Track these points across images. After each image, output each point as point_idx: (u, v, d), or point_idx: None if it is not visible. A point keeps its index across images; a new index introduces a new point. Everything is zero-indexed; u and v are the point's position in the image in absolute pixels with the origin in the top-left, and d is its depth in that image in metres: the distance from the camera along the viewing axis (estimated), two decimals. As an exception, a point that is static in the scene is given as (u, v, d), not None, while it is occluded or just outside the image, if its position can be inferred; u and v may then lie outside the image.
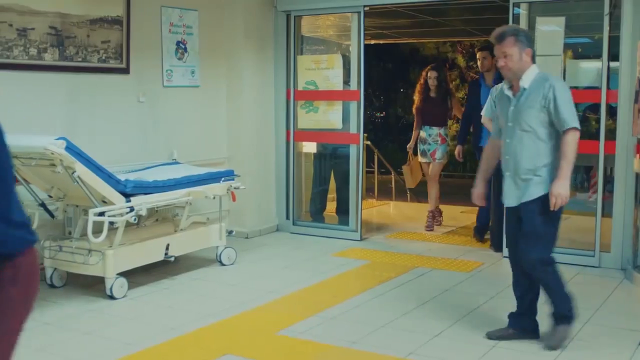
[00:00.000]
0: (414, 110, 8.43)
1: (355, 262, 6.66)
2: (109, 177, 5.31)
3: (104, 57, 6.29)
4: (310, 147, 8.28)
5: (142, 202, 5.49)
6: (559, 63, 6.54)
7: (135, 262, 5.67)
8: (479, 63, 7.55)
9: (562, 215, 4.41)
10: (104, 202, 5.32)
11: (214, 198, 6.24)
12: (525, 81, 4.28)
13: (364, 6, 7.34)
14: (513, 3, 6.62)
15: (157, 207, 5.83)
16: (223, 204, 6.48)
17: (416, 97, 8.35)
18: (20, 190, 5.57)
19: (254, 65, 7.73)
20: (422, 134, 8.24)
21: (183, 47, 7.11)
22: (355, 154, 7.64)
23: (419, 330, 4.75)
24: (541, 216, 4.29)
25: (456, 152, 7.83)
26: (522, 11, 6.67)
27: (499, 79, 5.88)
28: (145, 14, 6.67)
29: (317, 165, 8.35)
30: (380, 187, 11.74)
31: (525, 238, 4.33)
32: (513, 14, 6.62)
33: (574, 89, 6.54)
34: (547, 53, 6.58)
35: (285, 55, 7.92)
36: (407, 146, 8.62)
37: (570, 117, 4.17)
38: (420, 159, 8.43)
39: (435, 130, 8.18)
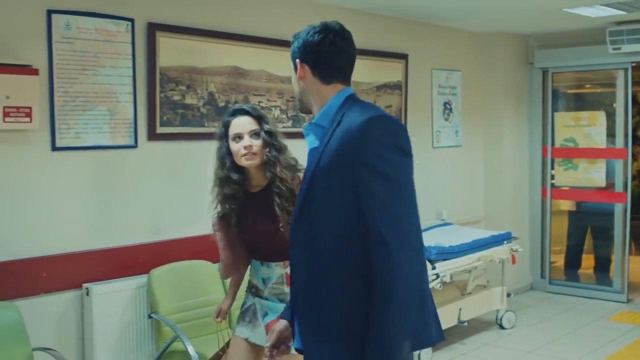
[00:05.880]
0: (217, 226, 3.50)
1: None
2: (418, 245, 5.37)
3: (386, 122, 6.43)
4: (564, 204, 8.12)
5: (446, 269, 5.53)
6: None
7: (435, 327, 5.68)
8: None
9: None
10: (413, 268, 5.39)
11: (499, 262, 6.22)
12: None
13: (632, 62, 7.16)
14: None
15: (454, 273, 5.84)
16: (500, 266, 6.43)
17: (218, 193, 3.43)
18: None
19: (511, 122, 7.70)
20: (251, 278, 3.54)
21: (449, 107, 7.18)
22: (621, 213, 7.39)
23: None
24: None
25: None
26: None
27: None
28: (418, 77, 6.79)
29: (572, 222, 8.14)
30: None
31: None
32: None
33: None
34: None
35: (540, 112, 7.85)
36: (217, 311, 3.70)
37: None
38: (238, 332, 3.49)
39: (277, 270, 3.40)
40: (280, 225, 3.25)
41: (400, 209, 2.16)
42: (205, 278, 4.70)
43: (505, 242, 6.31)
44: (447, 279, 5.52)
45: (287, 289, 3.28)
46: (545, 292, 7.81)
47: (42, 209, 4.15)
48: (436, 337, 2.30)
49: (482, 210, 7.69)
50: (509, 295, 6.47)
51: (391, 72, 6.46)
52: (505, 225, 7.29)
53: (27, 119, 3.95)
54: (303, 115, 5.66)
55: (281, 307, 3.28)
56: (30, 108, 3.96)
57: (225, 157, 3.34)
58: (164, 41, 4.71)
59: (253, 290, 3.49)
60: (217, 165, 3.40)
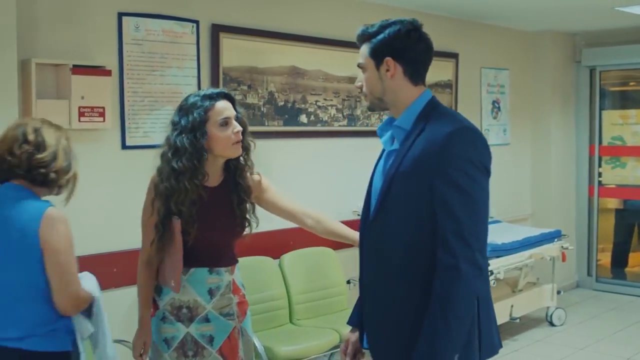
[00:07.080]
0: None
1: (690, 326, 6.44)
2: (473, 242, 5.44)
3: (437, 120, 6.49)
4: (611, 202, 8.13)
5: (500, 266, 5.59)
6: None
7: (488, 324, 5.74)
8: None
9: None
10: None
11: (550, 259, 6.27)
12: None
13: (682, 60, 7.17)
14: None
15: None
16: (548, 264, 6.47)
17: (152, 192, 3.08)
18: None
19: (558, 121, 7.72)
20: (180, 297, 2.90)
21: (497, 106, 7.23)
22: (672, 210, 7.41)
23: None
24: None
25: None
26: None
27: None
28: (468, 76, 6.84)
29: (619, 220, 8.15)
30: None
31: None
32: None
33: None
34: None
35: (587, 110, 7.86)
36: (138, 348, 2.97)
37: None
38: None
39: (226, 276, 2.98)
40: (238, 222, 2.99)
41: (471, 224, 2.13)
42: (267, 274, 4.81)
43: (555, 239, 6.36)
44: (500, 276, 5.57)
45: (235, 298, 2.97)
46: (592, 289, 7.82)
47: (112, 205, 4.27)
48: (498, 346, 2.38)
49: (529, 208, 7.73)
50: (558, 292, 6.51)
51: (442, 71, 6.52)
52: (552, 223, 7.31)
53: (101, 119, 4.08)
54: (358, 114, 5.76)
55: (229, 325, 2.92)
56: (103, 108, 4.08)
57: (204, 149, 2.82)
58: (226, 42, 4.83)
59: (183, 312, 2.89)
60: (185, 157, 2.81)
